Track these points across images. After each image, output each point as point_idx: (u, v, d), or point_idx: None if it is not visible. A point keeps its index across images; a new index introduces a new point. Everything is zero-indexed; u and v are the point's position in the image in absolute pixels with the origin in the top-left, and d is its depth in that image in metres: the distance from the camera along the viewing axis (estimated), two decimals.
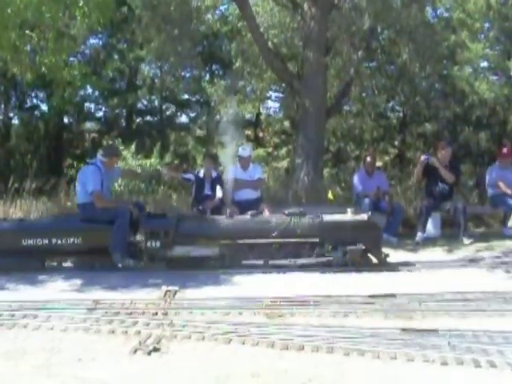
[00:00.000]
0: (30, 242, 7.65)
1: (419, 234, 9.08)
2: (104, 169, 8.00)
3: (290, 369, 4.69)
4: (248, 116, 16.67)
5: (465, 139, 15.09)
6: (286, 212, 7.85)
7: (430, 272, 7.92)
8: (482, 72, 15.48)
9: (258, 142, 16.25)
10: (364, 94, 14.80)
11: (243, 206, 8.87)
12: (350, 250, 7.53)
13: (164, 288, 6.91)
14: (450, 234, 9.53)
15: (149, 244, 7.72)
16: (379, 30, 13.27)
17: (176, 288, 6.94)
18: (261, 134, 16.93)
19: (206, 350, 5.19)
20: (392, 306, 6.23)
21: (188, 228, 7.87)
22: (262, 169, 10.01)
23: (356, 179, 9.43)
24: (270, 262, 7.68)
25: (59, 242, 7.69)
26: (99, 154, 8.17)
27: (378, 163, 14.56)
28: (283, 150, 15.35)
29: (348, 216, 7.77)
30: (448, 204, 9.15)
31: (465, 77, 14.87)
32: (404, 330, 5.42)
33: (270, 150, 15.92)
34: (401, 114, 15.64)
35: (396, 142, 15.70)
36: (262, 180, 9.50)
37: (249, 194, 9.01)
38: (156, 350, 5.18)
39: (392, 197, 9.58)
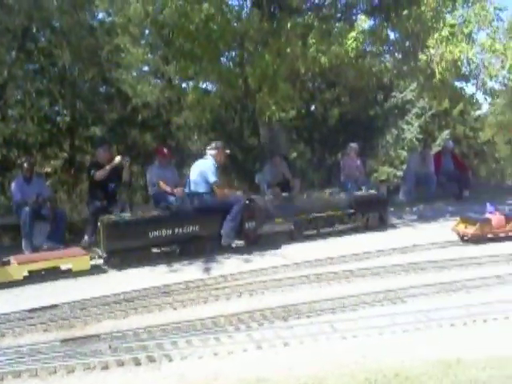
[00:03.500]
0: (156, 233, 8.22)
1: (85, 239, 8.92)
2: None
3: None
4: None
5: (132, 140, 15.39)
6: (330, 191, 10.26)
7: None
8: (145, 76, 16.01)
9: None
10: (26, 97, 14.05)
11: None
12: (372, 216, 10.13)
13: None
14: None
15: (246, 225, 8.97)
16: (34, 30, 12.70)
17: None
18: None
19: None
20: (53, 317, 5.99)
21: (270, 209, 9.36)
22: None
23: (14, 187, 8.82)
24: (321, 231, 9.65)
25: (180, 231, 8.38)
26: (210, 149, 9.13)
27: (48, 168, 14.03)
28: None
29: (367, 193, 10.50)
30: (117, 205, 9.16)
31: (128, 80, 15.18)
32: (64, 341, 5.24)
33: None
34: (67, 118, 15.25)
35: (65, 146, 15.26)
36: None
37: None
38: None
39: (56, 202, 9.25)
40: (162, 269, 8.08)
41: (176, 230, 8.37)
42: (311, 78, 13.86)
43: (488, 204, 9.71)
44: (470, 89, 28.09)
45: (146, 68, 16.15)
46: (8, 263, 7.36)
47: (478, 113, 23.44)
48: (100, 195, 9.24)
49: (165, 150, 10.00)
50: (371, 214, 10.19)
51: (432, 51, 10.19)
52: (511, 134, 25.62)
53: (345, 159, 11.68)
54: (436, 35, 10.03)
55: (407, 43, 10.97)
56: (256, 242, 9.09)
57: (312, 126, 15.64)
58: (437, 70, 10.16)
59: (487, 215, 9.42)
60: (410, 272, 7.51)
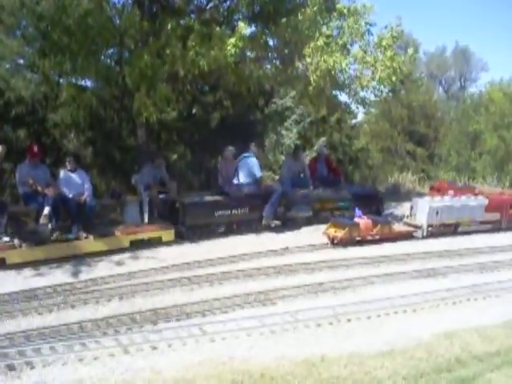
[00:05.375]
0: (220, 213, 10.09)
1: None
2: None
3: None
4: None
5: (4, 136, 14.64)
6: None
7: None
8: (19, 69, 15.25)
9: None
10: None
11: None
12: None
13: None
14: None
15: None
16: None
17: None
18: None
19: None
20: None
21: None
22: None
23: None
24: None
25: (236, 212, 10.29)
26: (252, 146, 11.29)
27: None
28: None
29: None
30: None
31: (1, 73, 14.40)
32: None
33: None
34: None
35: None
36: None
37: None
38: None
39: None
40: None
41: (233, 212, 10.24)
42: (192, 81, 13.81)
43: (356, 209, 10.19)
44: (344, 98, 29.49)
45: (21, 61, 15.40)
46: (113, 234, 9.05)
47: (353, 121, 24.57)
48: None
49: (35, 149, 9.54)
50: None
51: (308, 60, 10.50)
52: (383, 143, 27.15)
53: (223, 163, 11.76)
54: (312, 44, 10.34)
55: (286, 51, 11.23)
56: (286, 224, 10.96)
57: (193, 129, 15.60)
58: (312, 78, 10.48)
59: (356, 219, 9.87)
60: (281, 274, 7.69)
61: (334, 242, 9.53)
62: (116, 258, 8.44)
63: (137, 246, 9.05)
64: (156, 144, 14.04)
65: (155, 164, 10.71)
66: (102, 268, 7.93)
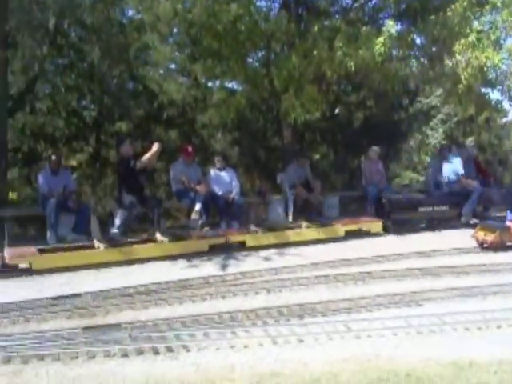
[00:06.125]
0: (423, 209, 10.86)
1: (114, 230, 8.93)
2: None
3: None
4: None
5: (157, 137, 15.60)
6: None
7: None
8: (171, 74, 16.22)
9: None
10: (55, 91, 14.33)
11: None
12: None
13: None
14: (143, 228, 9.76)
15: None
16: (66, 26, 12.94)
17: None
18: None
19: None
20: (76, 305, 6.17)
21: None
22: None
23: (41, 178, 8.99)
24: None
25: (436, 209, 10.96)
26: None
27: (73, 162, 14.27)
28: None
29: None
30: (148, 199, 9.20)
31: (155, 78, 15.40)
32: (86, 328, 5.39)
33: None
34: (93, 113, 15.50)
35: (90, 141, 15.53)
36: None
37: None
38: None
39: (81, 195, 9.43)
40: None
41: (434, 208, 10.88)
42: (336, 81, 13.89)
43: (508, 212, 9.70)
44: (495, 95, 27.93)
45: (172, 66, 16.33)
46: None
47: (504, 120, 23.27)
48: (133, 188, 9.00)
49: (189, 149, 10.15)
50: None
51: (458, 57, 10.17)
52: None
53: (366, 163, 11.72)
54: (462, 41, 10.01)
55: (433, 48, 10.98)
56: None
57: (336, 129, 15.70)
58: (463, 76, 10.14)
59: (507, 223, 9.40)
60: (427, 276, 7.55)
61: (484, 246, 9.17)
62: (263, 253, 8.75)
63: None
64: (300, 144, 14.25)
65: (300, 163, 10.92)
66: (250, 263, 8.27)
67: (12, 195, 8.63)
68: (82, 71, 14.31)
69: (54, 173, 9.08)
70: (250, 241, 9.11)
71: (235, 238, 9.16)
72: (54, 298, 6.39)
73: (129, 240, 8.72)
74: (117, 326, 5.44)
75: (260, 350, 5.15)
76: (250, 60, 12.02)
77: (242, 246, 9.04)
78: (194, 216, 9.20)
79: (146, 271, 7.90)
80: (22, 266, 7.78)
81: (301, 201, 10.39)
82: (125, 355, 4.91)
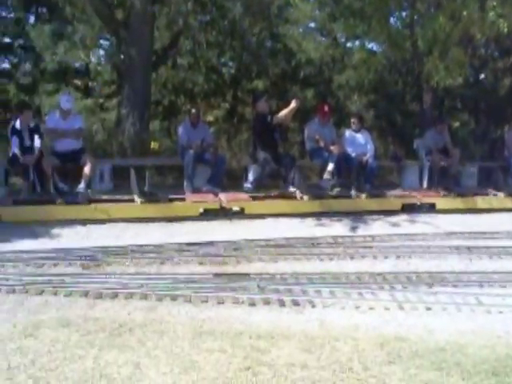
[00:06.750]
0: None
1: (248, 185, 9.17)
2: None
3: (102, 316, 4.69)
4: (77, 64, 15.90)
5: (293, 96, 15.64)
6: None
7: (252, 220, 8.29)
8: (310, 32, 16.10)
9: (87, 92, 15.62)
10: (196, 48, 14.75)
11: (65, 157, 8.57)
12: None
13: None
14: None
15: None
16: None
17: None
18: (90, 84, 16.26)
19: (16, 303, 5.02)
20: (207, 252, 6.43)
21: None
22: (82, 118, 9.59)
23: (181, 130, 9.39)
24: None
25: None
26: None
27: (209, 117, 14.69)
28: (113, 101, 14.87)
29: None
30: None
31: (294, 36, 15.37)
32: (216, 274, 5.63)
33: (99, 100, 15.37)
34: (232, 70, 15.80)
35: (227, 97, 15.89)
36: (82, 129, 9.13)
37: (70, 145, 8.68)
38: None
39: (217, 149, 9.69)
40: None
41: None
42: (484, 44, 13.11)
43: None
44: None
45: (312, 24, 16.19)
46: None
47: None
48: (268, 145, 9.11)
49: (325, 108, 10.07)
50: None
51: None
52: None
53: (510, 133, 11.04)
54: None
55: None
56: None
57: (479, 96, 14.86)
58: None
59: None
60: None
61: None
62: (392, 219, 8.61)
63: (410, 210, 9.13)
64: (439, 110, 13.67)
65: (438, 130, 10.51)
66: (378, 227, 8.17)
67: (154, 145, 9.07)
68: (222, 28, 14.55)
69: (193, 126, 9.41)
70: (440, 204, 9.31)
71: (426, 199, 9.41)
72: (187, 244, 6.70)
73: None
74: (246, 276, 5.62)
75: (385, 314, 5.11)
76: (393, 20, 11.61)
77: None
78: (326, 176, 9.19)
79: (279, 226, 8.09)
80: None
81: (437, 168, 10.02)
82: (252, 304, 5.08)
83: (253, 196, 8.83)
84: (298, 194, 8.85)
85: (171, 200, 8.50)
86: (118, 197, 8.44)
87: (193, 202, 8.44)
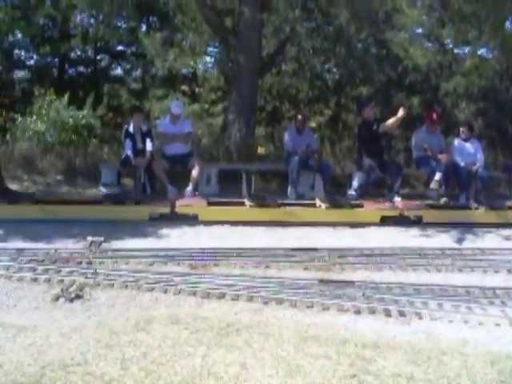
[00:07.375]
0: None
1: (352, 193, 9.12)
2: None
3: (210, 316, 4.82)
4: (185, 71, 16.46)
5: (399, 103, 15.38)
6: None
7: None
8: (417, 38, 15.77)
9: (193, 98, 16.11)
10: (301, 54, 14.85)
11: (174, 160, 8.90)
12: None
13: (89, 238, 6.92)
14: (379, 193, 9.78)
15: None
16: None
17: (101, 238, 6.96)
18: (197, 90, 16.78)
19: (129, 298, 5.27)
20: (312, 258, 6.46)
21: None
22: (190, 123, 9.93)
23: (286, 136, 9.51)
24: None
25: None
26: None
27: (312, 124, 14.73)
28: (219, 107, 15.26)
29: None
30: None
31: (400, 42, 15.11)
32: (322, 281, 5.64)
33: (206, 106, 15.81)
34: (336, 76, 15.77)
35: (331, 104, 15.87)
36: (192, 134, 9.45)
37: (179, 148, 9.00)
38: (78, 297, 5.22)
39: (321, 155, 9.71)
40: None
41: None
42: None
43: None
44: None
45: (419, 30, 15.82)
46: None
47: None
48: (374, 152, 9.07)
49: (434, 116, 9.87)
50: None
51: None
52: None
53: None
54: None
55: None
56: None
57: None
58: None
59: None
60: None
61: None
62: (505, 232, 8.26)
63: None
64: None
65: None
66: (489, 240, 7.86)
67: (261, 150, 9.24)
68: (328, 34, 14.55)
69: (299, 132, 9.49)
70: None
71: None
72: (293, 249, 6.76)
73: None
74: (351, 283, 5.60)
75: (496, 330, 4.92)
76: (508, 24, 11.16)
77: None
78: (433, 185, 8.99)
79: (377, 234, 7.99)
80: None
81: None
82: (357, 312, 5.05)
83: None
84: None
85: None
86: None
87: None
